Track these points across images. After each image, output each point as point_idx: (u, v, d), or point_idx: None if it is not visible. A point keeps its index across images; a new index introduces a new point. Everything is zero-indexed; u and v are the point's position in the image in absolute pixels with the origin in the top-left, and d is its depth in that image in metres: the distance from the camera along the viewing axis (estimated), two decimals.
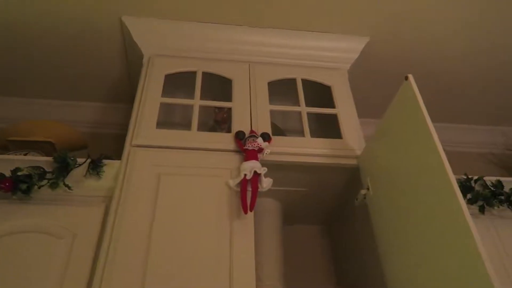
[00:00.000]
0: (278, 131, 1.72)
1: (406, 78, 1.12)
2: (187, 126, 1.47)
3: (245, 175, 1.24)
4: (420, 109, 1.04)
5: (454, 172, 1.72)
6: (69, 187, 1.26)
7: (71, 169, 1.28)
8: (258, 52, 1.72)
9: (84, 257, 1.15)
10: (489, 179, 1.50)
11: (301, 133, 1.52)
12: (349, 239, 1.62)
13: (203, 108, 1.66)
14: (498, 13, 1.66)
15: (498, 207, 1.46)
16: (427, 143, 1.00)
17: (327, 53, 1.77)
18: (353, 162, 1.43)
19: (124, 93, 1.97)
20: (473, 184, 1.47)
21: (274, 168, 1.39)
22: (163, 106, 1.57)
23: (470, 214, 1.43)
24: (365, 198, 1.34)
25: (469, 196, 1.45)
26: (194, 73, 1.61)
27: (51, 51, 1.78)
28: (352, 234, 1.60)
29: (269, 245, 1.51)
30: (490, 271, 0.79)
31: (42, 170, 1.27)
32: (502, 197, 1.46)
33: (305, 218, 1.77)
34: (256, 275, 1.38)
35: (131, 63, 1.81)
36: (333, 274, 1.73)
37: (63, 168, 1.26)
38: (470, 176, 1.48)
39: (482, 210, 1.44)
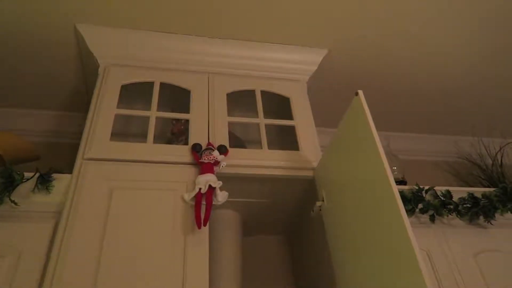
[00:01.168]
0: (238, 142, 1.72)
1: (356, 93, 1.14)
2: (144, 137, 1.44)
3: (200, 189, 1.23)
4: (368, 124, 1.06)
5: (410, 180, 1.80)
6: (15, 203, 1.20)
7: (18, 184, 1.23)
8: (217, 63, 1.72)
9: (29, 276, 1.10)
10: (439, 189, 1.55)
11: (261, 144, 1.52)
12: (307, 250, 1.64)
13: (160, 120, 1.64)
14: (445, 23, 1.74)
15: (448, 216, 1.52)
16: (373, 155, 1.03)
17: (286, 64, 1.79)
18: (309, 174, 1.45)
19: (81, 102, 1.91)
20: (424, 194, 1.52)
21: (232, 180, 1.40)
22: (119, 117, 1.54)
23: (422, 223, 1.51)
24: (320, 209, 1.36)
25: (420, 206, 1.50)
26: (151, 84, 1.59)
27: (2, 57, 1.70)
28: (310, 245, 1.61)
29: (228, 257, 1.51)
30: (426, 279, 0.82)
31: None
32: (451, 206, 1.52)
33: (265, 229, 1.78)
34: (215, 287, 1.39)
35: (88, 72, 1.76)
36: (292, 284, 1.74)
37: (9, 183, 1.21)
38: (421, 186, 1.53)
39: (432, 219, 1.49)
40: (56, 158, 1.64)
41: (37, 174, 1.26)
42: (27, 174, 1.26)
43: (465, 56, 1.89)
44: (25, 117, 1.95)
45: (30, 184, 1.26)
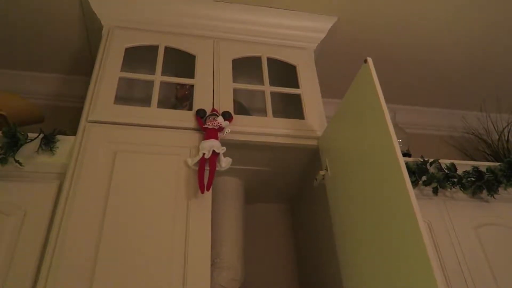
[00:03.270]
0: (242, 109, 1.71)
1: (365, 61, 1.12)
2: (147, 102, 1.43)
3: (204, 154, 1.23)
4: (376, 92, 1.04)
5: (415, 154, 1.79)
6: (19, 163, 1.21)
7: (22, 145, 1.23)
8: (224, 28, 1.68)
9: (35, 235, 1.12)
10: (444, 162, 1.55)
11: (266, 112, 1.51)
12: (309, 219, 1.65)
13: (165, 85, 1.62)
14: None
15: (451, 189, 1.52)
16: (380, 125, 1.01)
17: (294, 31, 1.75)
18: (313, 143, 1.44)
19: (85, 65, 1.89)
20: (428, 167, 1.52)
21: (235, 147, 1.39)
22: (123, 81, 1.52)
23: (424, 195, 1.51)
24: (323, 179, 1.36)
25: (424, 178, 1.50)
26: (156, 48, 1.56)
27: (6, 18, 1.67)
28: (312, 214, 1.63)
29: (230, 223, 1.52)
30: (429, 251, 0.82)
31: None
32: (455, 180, 1.52)
33: (267, 197, 1.79)
34: (215, 253, 1.41)
35: (91, 34, 1.73)
36: (294, 252, 1.76)
37: (13, 143, 1.21)
38: (426, 159, 1.53)
39: (435, 191, 1.49)
40: (60, 121, 1.63)
41: (41, 135, 1.26)
42: (31, 135, 1.26)
43: (474, 26, 1.83)
44: (30, 79, 1.93)
45: (34, 145, 1.26)
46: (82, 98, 1.86)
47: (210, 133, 1.29)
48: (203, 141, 1.27)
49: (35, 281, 1.04)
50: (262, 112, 1.57)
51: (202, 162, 1.23)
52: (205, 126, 1.32)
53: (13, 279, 1.05)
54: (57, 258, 1.04)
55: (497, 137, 2.17)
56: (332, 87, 1.92)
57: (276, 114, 1.51)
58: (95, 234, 1.09)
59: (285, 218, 1.84)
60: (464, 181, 1.52)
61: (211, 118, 1.34)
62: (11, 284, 1.04)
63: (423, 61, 2.00)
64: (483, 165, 1.58)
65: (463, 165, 1.57)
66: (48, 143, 1.25)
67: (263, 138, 1.41)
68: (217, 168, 1.24)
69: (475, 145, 2.26)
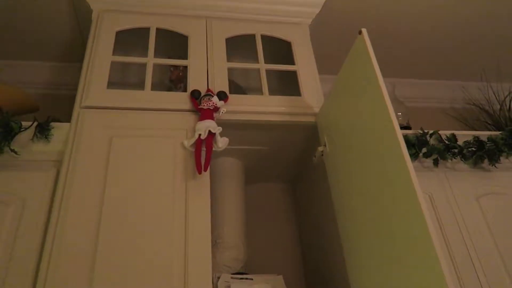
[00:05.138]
0: (238, 89, 1.69)
1: (360, 32, 1.09)
2: (142, 86, 1.41)
3: (200, 135, 1.22)
4: (371, 63, 1.02)
5: (415, 128, 1.77)
6: (15, 152, 1.20)
7: (16, 133, 1.22)
8: (216, 7, 1.64)
9: (35, 223, 1.13)
10: (444, 133, 1.53)
11: (262, 90, 1.49)
12: (309, 197, 1.65)
13: (158, 67, 1.60)
14: None
15: (452, 160, 1.50)
16: (376, 97, 0.99)
17: (288, 7, 1.71)
18: (311, 119, 1.43)
19: (77, 52, 1.86)
20: (428, 138, 1.50)
21: (232, 127, 1.38)
22: (116, 65, 1.50)
23: (425, 167, 1.50)
24: (322, 155, 1.35)
25: (424, 150, 1.48)
26: (147, 30, 1.53)
27: None
28: (312, 192, 1.62)
29: (230, 203, 1.52)
30: (429, 224, 0.81)
31: None
32: (456, 150, 1.50)
33: (267, 176, 1.78)
34: (217, 234, 1.42)
35: (81, 19, 1.69)
36: (296, 231, 1.77)
37: (7, 132, 1.20)
38: (426, 131, 1.51)
39: (436, 163, 1.48)
40: (54, 109, 1.62)
41: (35, 123, 1.25)
42: (25, 123, 1.25)
43: None
44: (22, 69, 1.91)
45: (29, 133, 1.25)
46: (76, 85, 1.85)
47: (205, 114, 1.28)
48: (198, 122, 1.26)
49: (37, 269, 1.04)
50: (258, 91, 1.54)
51: (198, 143, 1.21)
52: (200, 107, 1.30)
53: (15, 267, 1.06)
54: (57, 244, 1.04)
55: (499, 106, 2.14)
56: (328, 63, 1.88)
57: (272, 92, 1.48)
58: (94, 219, 1.09)
59: (286, 197, 1.83)
60: (465, 151, 1.50)
61: (206, 98, 1.32)
62: (13, 273, 1.05)
63: (421, 32, 1.96)
64: (484, 134, 1.56)
65: (464, 136, 1.55)
66: (43, 131, 1.25)
67: (260, 117, 1.39)
68: (214, 148, 1.24)
69: (477, 116, 2.23)
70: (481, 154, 1.50)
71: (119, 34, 1.51)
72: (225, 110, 1.33)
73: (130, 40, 1.58)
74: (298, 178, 1.78)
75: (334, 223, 1.24)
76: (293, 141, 1.54)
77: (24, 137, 1.24)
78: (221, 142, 1.25)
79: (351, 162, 1.16)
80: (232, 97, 1.39)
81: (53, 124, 1.27)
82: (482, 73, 2.24)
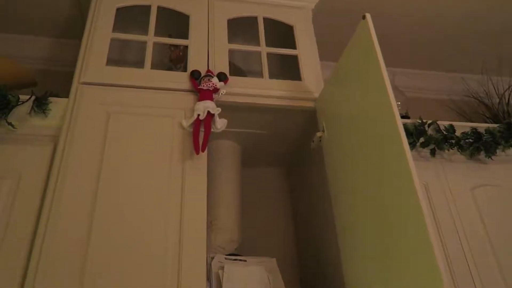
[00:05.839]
0: (238, 71, 1.67)
1: (364, 17, 1.08)
2: (141, 64, 1.39)
3: (198, 115, 1.21)
4: (374, 49, 1.01)
5: (414, 117, 1.76)
6: (12, 125, 1.20)
7: (13, 106, 1.21)
8: None
9: (31, 198, 1.12)
10: (442, 123, 1.53)
11: (262, 74, 1.47)
12: (306, 182, 1.66)
13: (158, 46, 1.58)
14: None
15: (448, 150, 1.51)
16: (377, 82, 0.99)
17: None
18: (311, 104, 1.42)
19: (76, 28, 1.83)
20: (426, 128, 1.50)
21: (231, 109, 1.37)
22: (115, 42, 1.48)
23: (422, 157, 1.50)
24: (320, 140, 1.35)
25: (421, 139, 1.48)
26: (148, 8, 1.51)
27: None
28: (309, 177, 1.63)
29: (227, 187, 1.52)
30: (424, 210, 0.82)
31: None
32: (453, 141, 1.50)
33: (265, 160, 1.78)
34: (212, 215, 1.42)
35: None
36: (291, 215, 1.78)
37: (4, 105, 1.19)
38: (424, 120, 1.51)
39: (433, 153, 1.48)
40: (52, 85, 1.59)
41: (33, 97, 1.24)
42: (22, 97, 1.24)
43: None
44: (20, 43, 1.89)
45: (27, 107, 1.24)
46: (75, 62, 1.83)
47: (204, 94, 1.27)
48: (197, 103, 1.26)
49: (32, 244, 1.04)
50: (259, 74, 1.53)
51: (196, 123, 1.21)
52: (200, 87, 1.29)
53: (10, 241, 1.06)
54: (52, 220, 1.05)
55: (498, 100, 2.14)
56: (330, 49, 1.86)
57: (272, 76, 1.48)
58: (90, 196, 1.09)
59: (281, 181, 1.84)
60: (462, 142, 1.51)
61: (206, 79, 1.31)
62: (8, 246, 1.05)
63: (424, 22, 1.95)
64: (481, 126, 1.57)
65: (462, 127, 1.56)
66: (40, 106, 1.24)
67: (259, 100, 1.39)
68: (212, 129, 1.23)
69: (475, 109, 2.23)
70: (478, 146, 1.50)
71: (119, 11, 1.49)
72: (224, 91, 1.32)
73: (130, 17, 1.56)
74: (295, 162, 1.78)
75: (329, 208, 1.25)
76: (291, 126, 1.54)
77: (21, 110, 1.23)
78: (220, 123, 1.25)
79: (349, 148, 1.16)
80: (232, 79, 1.38)
81: (51, 99, 1.26)
82: (483, 66, 2.23)
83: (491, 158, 1.52)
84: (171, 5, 1.53)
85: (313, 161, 1.54)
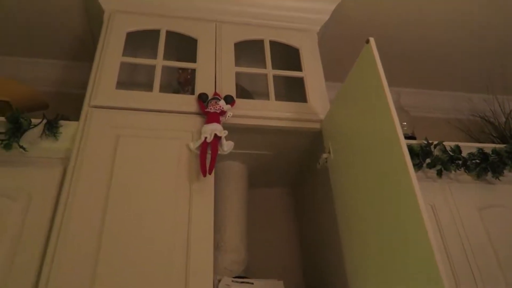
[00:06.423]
0: (245, 93, 1.70)
1: (367, 41, 1.10)
2: (150, 87, 1.42)
3: (206, 138, 1.23)
4: (378, 73, 1.03)
5: (420, 137, 1.77)
6: (24, 148, 1.22)
7: (26, 130, 1.24)
8: (225, 11, 1.66)
9: (40, 219, 1.14)
10: (448, 144, 1.53)
11: (268, 95, 1.50)
12: (312, 202, 1.66)
13: (167, 69, 1.62)
14: None
15: (455, 171, 1.50)
16: (382, 107, 1.00)
17: (297, 13, 1.72)
18: (316, 126, 1.44)
19: (87, 51, 1.89)
20: (432, 149, 1.50)
21: (238, 131, 1.39)
22: (125, 66, 1.52)
23: (428, 177, 1.50)
24: (326, 162, 1.36)
25: (428, 160, 1.49)
26: (157, 32, 1.55)
27: (7, 5, 1.67)
28: (315, 197, 1.63)
29: (233, 206, 1.53)
30: (430, 233, 0.82)
31: None
32: (460, 162, 1.50)
33: (271, 181, 1.79)
34: (219, 237, 1.43)
35: (93, 19, 1.72)
36: (297, 236, 1.77)
37: (17, 128, 1.22)
38: (430, 141, 1.51)
39: (439, 174, 1.48)
40: (63, 107, 1.63)
41: (44, 121, 1.27)
42: (34, 121, 1.27)
43: (480, 9, 1.79)
44: (33, 66, 1.94)
45: (38, 130, 1.27)
46: (85, 84, 1.87)
47: (212, 117, 1.29)
48: (205, 125, 1.27)
49: (41, 264, 1.05)
50: (265, 95, 1.56)
51: (204, 145, 1.23)
52: (207, 110, 1.32)
53: (20, 262, 1.07)
54: (62, 241, 1.06)
55: (504, 119, 2.14)
56: (336, 70, 1.90)
57: (278, 97, 1.50)
58: (98, 218, 1.11)
59: (288, 202, 1.84)
60: (468, 163, 1.51)
61: (213, 102, 1.33)
62: (18, 267, 1.06)
63: (429, 42, 1.97)
64: (488, 147, 1.57)
65: (468, 147, 1.55)
66: (51, 129, 1.26)
67: (266, 122, 1.40)
68: (219, 152, 1.25)
69: (482, 128, 2.23)
70: (485, 166, 1.50)
71: (129, 35, 1.53)
72: (231, 114, 1.34)
73: (139, 40, 1.61)
74: (301, 182, 1.79)
75: (335, 229, 1.25)
76: (297, 147, 1.55)
77: (33, 134, 1.26)
78: (227, 146, 1.26)
79: (355, 169, 1.17)
80: (238, 101, 1.41)
81: (61, 122, 1.29)
82: (488, 84, 2.24)
83: (499, 179, 1.51)
84: (179, 29, 1.57)
85: (318, 181, 1.55)
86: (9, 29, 1.79)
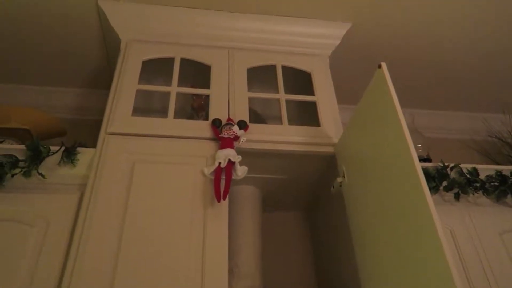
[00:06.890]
0: (258, 118, 1.72)
1: (379, 66, 1.11)
2: (165, 113, 1.45)
3: (220, 163, 1.24)
4: (391, 98, 1.03)
5: (436, 159, 1.75)
6: (42, 176, 1.25)
7: (44, 157, 1.27)
8: (238, 38, 1.69)
9: (57, 245, 1.15)
10: (465, 167, 1.51)
11: (281, 120, 1.51)
12: (327, 226, 1.64)
13: (181, 95, 1.65)
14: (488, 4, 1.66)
15: (473, 194, 1.47)
16: (396, 130, 1.00)
17: (308, 39, 1.75)
18: (330, 150, 1.44)
19: (104, 79, 1.94)
20: (449, 172, 1.48)
21: (252, 155, 1.40)
22: (141, 93, 1.56)
23: (446, 201, 1.47)
24: (341, 186, 1.35)
25: (444, 183, 1.46)
26: (172, 59, 1.59)
27: (27, 36, 1.74)
28: (329, 221, 1.61)
29: (248, 231, 1.52)
30: (449, 260, 0.80)
31: (14, 158, 1.25)
32: (478, 185, 1.47)
33: (285, 205, 1.78)
34: (234, 262, 1.41)
35: (110, 48, 1.78)
36: (312, 260, 1.75)
37: (36, 156, 1.25)
38: (446, 164, 1.49)
39: (457, 197, 1.45)
40: (81, 134, 1.68)
41: (62, 148, 1.30)
42: (53, 148, 1.30)
43: (493, 30, 1.80)
44: (51, 94, 2.00)
45: (56, 157, 1.30)
46: (102, 111, 1.92)
47: (225, 142, 1.30)
48: (219, 150, 1.29)
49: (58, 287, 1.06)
50: (278, 119, 1.57)
51: (218, 171, 1.23)
52: (221, 135, 1.33)
53: (38, 285, 1.08)
54: (78, 267, 1.07)
55: None
56: (348, 93, 1.91)
57: (291, 121, 1.51)
58: (114, 243, 1.11)
59: (302, 226, 1.82)
60: (487, 185, 1.48)
61: (227, 127, 1.35)
62: None
63: (442, 63, 1.97)
64: (506, 169, 1.54)
65: (486, 170, 1.52)
66: (69, 156, 1.29)
67: (279, 146, 1.41)
68: (233, 177, 1.25)
69: (499, 149, 2.19)
70: (504, 189, 1.47)
71: (145, 63, 1.57)
72: (245, 139, 1.35)
73: (154, 68, 1.65)
74: (315, 206, 1.77)
75: (351, 253, 1.23)
76: (311, 171, 1.55)
77: (51, 161, 1.29)
78: (241, 171, 1.27)
79: (369, 194, 1.16)
80: (252, 126, 1.42)
81: (79, 149, 1.32)
82: (504, 105, 2.21)
83: None
84: (193, 57, 1.61)
85: (333, 205, 1.53)
86: (28, 58, 1.85)
